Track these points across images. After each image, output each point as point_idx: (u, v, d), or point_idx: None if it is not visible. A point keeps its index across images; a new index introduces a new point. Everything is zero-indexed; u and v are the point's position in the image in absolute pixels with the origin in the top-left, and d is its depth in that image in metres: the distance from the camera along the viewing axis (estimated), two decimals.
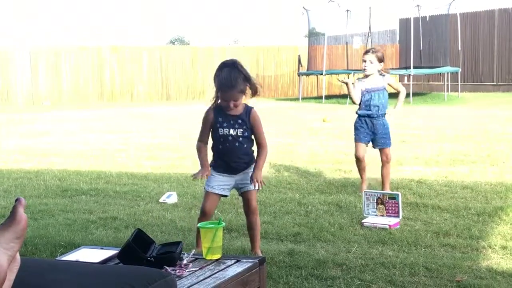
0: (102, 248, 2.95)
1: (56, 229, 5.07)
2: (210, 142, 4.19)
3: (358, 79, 6.29)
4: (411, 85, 20.60)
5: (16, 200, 1.37)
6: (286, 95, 25.91)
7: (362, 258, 4.16)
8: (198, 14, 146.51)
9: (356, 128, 6.22)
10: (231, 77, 3.90)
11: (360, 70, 6.31)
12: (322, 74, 22.26)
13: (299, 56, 24.85)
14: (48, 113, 18.07)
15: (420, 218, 5.19)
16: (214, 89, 4.03)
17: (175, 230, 5.01)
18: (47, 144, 10.68)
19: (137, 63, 24.47)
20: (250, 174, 4.09)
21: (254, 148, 4.17)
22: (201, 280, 2.52)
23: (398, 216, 5.09)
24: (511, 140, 9.64)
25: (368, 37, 24.79)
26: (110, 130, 12.78)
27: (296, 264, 4.05)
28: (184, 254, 2.77)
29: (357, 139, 6.21)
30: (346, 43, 24.87)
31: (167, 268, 2.60)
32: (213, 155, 4.19)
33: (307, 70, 23.87)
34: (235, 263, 2.73)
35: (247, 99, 4.05)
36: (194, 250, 3.04)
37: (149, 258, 2.62)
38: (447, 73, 22.00)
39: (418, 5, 22.45)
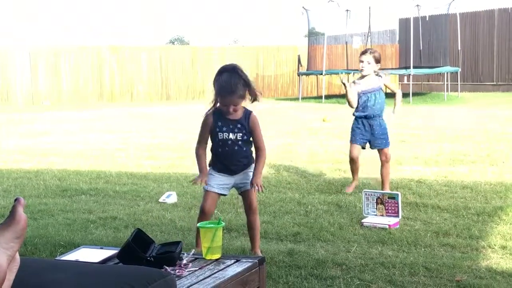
0: (101, 248, 2.95)
1: (56, 229, 5.07)
2: (209, 143, 4.19)
3: (354, 81, 6.28)
4: (410, 85, 20.60)
5: (16, 200, 1.37)
6: (286, 95, 25.91)
7: (361, 258, 4.16)
8: (198, 14, 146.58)
9: (352, 130, 6.26)
10: (231, 82, 3.90)
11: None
12: (322, 74, 22.26)
13: (298, 56, 24.85)
14: (47, 113, 18.06)
15: (420, 218, 5.19)
16: (213, 92, 4.04)
17: (174, 230, 5.01)
18: (47, 144, 10.68)
19: (137, 63, 24.46)
20: (250, 173, 4.10)
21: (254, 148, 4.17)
22: (201, 280, 2.52)
23: (397, 216, 5.09)
24: (511, 140, 9.64)
25: (367, 37, 24.78)
26: (109, 130, 12.78)
27: (295, 264, 4.05)
28: (183, 254, 2.77)
29: (352, 141, 6.25)
30: (346, 43, 24.86)
31: (167, 268, 2.60)
32: (212, 156, 4.19)
33: (307, 70, 23.86)
34: (234, 263, 2.73)
35: (246, 104, 4.05)
36: (193, 250, 3.03)
37: (148, 258, 2.62)
38: (447, 73, 22.00)
39: (417, 5, 22.45)
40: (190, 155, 8.07)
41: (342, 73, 21.38)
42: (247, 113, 4.07)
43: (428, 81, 25.76)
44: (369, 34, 24.90)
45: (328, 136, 10.80)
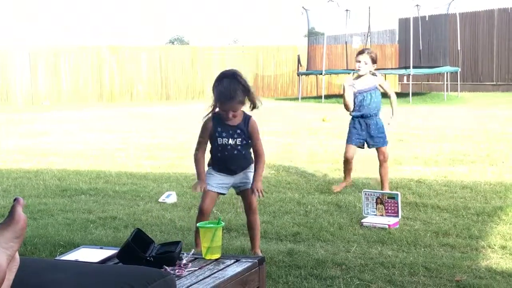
0: (101, 248, 2.95)
1: (56, 228, 5.07)
2: (208, 144, 4.19)
3: (350, 85, 6.22)
4: (410, 85, 20.61)
5: (15, 199, 1.37)
6: (286, 95, 25.91)
7: (361, 257, 4.16)
8: (198, 14, 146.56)
9: (349, 130, 6.28)
10: (231, 89, 3.90)
11: None
12: (321, 73, 22.25)
13: (298, 55, 24.84)
14: (47, 113, 18.05)
15: (420, 218, 5.19)
16: (212, 98, 4.04)
17: (174, 230, 5.01)
18: (47, 144, 10.67)
19: (137, 63, 24.46)
20: (249, 173, 4.12)
21: None
22: (201, 280, 2.52)
23: (397, 216, 5.09)
24: (511, 140, 9.64)
25: (367, 36, 24.79)
26: (109, 130, 12.78)
27: (295, 263, 4.05)
28: (183, 253, 2.77)
29: (348, 141, 6.28)
30: (346, 42, 24.87)
31: (167, 267, 2.60)
32: (212, 158, 4.20)
33: (307, 70, 23.86)
34: (234, 262, 2.73)
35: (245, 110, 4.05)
36: (193, 249, 3.03)
37: (148, 258, 2.62)
38: (447, 73, 22.00)
39: (417, 5, 22.45)
40: (189, 155, 8.04)
41: (342, 73, 21.39)
42: (247, 118, 4.07)
43: (428, 81, 25.76)
44: (368, 34, 24.90)
45: (328, 136, 10.79)
